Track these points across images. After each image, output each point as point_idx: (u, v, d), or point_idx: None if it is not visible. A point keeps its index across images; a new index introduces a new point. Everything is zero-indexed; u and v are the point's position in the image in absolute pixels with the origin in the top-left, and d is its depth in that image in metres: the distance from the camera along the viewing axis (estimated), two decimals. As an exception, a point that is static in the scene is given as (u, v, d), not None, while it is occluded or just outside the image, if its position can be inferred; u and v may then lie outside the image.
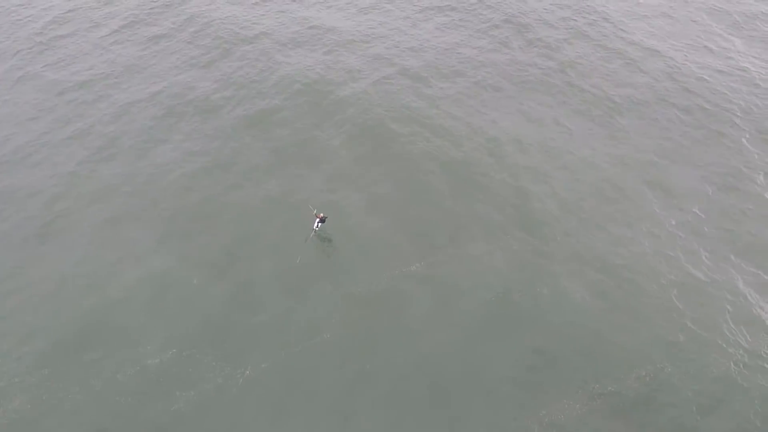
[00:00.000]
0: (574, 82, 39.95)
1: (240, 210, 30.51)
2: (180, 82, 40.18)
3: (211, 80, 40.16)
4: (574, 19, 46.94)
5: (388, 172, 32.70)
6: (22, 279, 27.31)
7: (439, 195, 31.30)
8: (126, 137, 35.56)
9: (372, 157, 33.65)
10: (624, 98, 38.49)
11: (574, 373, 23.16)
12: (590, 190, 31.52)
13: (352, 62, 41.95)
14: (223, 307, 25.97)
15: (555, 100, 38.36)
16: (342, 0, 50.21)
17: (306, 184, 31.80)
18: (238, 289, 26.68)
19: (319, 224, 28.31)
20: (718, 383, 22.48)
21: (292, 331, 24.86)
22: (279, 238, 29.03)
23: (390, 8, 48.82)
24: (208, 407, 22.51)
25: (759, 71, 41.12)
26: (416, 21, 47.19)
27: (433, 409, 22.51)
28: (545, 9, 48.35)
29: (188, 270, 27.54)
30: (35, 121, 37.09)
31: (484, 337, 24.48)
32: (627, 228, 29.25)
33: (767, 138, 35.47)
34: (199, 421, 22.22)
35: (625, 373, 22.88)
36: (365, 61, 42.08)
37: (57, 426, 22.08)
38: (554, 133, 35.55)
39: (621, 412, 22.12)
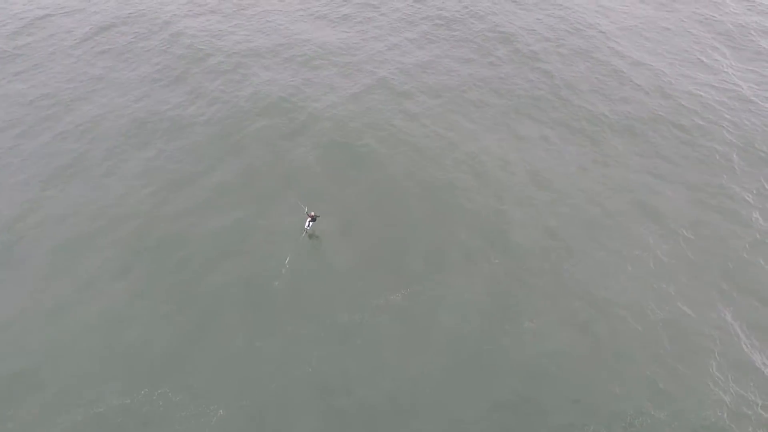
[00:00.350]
0: (564, 97, 38.78)
1: (211, 233, 29.04)
2: (152, 94, 38.58)
3: (184, 93, 38.59)
4: (565, 30, 45.80)
5: (366, 191, 31.42)
6: (-25, 310, 25.74)
7: (418, 217, 30.00)
8: (94, 153, 33.97)
9: (349, 176, 32.30)
10: (616, 113, 37.37)
11: (559, 417, 21.92)
12: (579, 213, 30.33)
13: (332, 75, 40.55)
14: (193, 341, 24.53)
15: (544, 116, 37.12)
16: (324, 9, 48.75)
17: (280, 205, 30.31)
18: (209, 321, 25.25)
19: (311, 223, 28.11)
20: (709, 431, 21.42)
21: (266, 368, 23.51)
22: (251, 263, 27.63)
23: (374, 16, 47.48)
24: (176, 451, 21.14)
25: (751, 86, 40.18)
26: (400, 30, 45.85)
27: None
28: (538, 20, 47.18)
29: (155, 300, 26.08)
30: (-1, 135, 35.49)
31: (464, 377, 23.19)
32: (616, 256, 28.08)
33: (759, 155, 34.54)
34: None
35: (612, 419, 21.67)
36: (346, 74, 40.69)
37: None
38: (542, 151, 34.36)
39: (608, 460, 21.05)
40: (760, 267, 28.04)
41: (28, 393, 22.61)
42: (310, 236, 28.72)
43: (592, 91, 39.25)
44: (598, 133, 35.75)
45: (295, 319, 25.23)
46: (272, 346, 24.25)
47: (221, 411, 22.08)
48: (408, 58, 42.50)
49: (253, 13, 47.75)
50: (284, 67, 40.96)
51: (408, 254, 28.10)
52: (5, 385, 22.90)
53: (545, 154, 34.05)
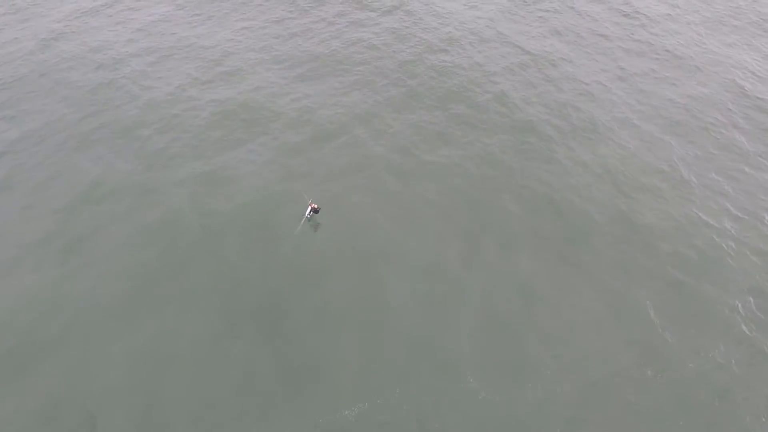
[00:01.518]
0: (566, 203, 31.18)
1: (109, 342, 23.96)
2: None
3: (94, 156, 33.02)
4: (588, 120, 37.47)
5: (293, 296, 25.92)
6: None
7: (351, 328, 24.77)
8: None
9: (274, 258, 26.96)
10: (626, 227, 29.87)
11: None
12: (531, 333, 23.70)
13: (277, 142, 34.30)
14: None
15: (532, 221, 29.90)
16: (317, 88, 39.98)
17: (187, 325, 24.62)
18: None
19: (312, 213, 27.74)
20: None
21: None
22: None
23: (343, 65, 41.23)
24: None
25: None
26: (379, 103, 38.23)
27: None
28: (555, 98, 39.25)
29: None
30: None
31: None
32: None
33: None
34: None
35: None
36: (298, 137, 34.63)
37: None
38: (522, 266, 27.65)
39: None
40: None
41: None
42: (309, 221, 27.90)
43: (601, 192, 31.66)
44: (593, 260, 28.20)
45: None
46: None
47: None
48: (388, 122, 36.04)
49: (190, 52, 42.61)
50: (226, 127, 35.20)
51: (337, 368, 23.33)
52: None
53: (515, 274, 27.26)
